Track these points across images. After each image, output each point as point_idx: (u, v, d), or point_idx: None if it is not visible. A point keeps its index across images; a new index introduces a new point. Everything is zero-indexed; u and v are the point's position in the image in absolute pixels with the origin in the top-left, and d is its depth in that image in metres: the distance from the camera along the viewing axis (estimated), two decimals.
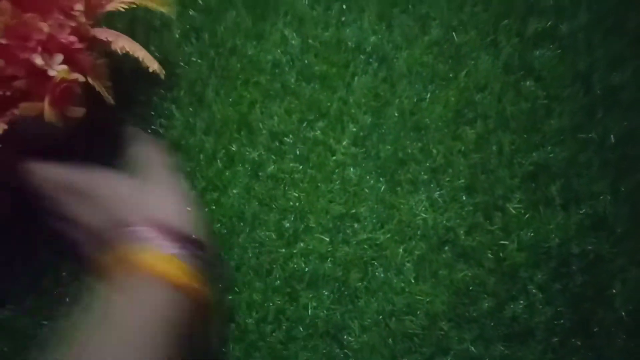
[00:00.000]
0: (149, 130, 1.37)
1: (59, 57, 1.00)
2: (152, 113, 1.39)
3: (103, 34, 1.09)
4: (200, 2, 1.50)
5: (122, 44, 1.08)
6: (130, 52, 1.10)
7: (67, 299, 1.23)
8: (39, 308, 1.23)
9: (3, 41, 0.97)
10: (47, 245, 1.25)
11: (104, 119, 1.29)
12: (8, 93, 1.00)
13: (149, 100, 1.40)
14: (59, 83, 0.99)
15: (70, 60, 1.04)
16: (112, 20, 1.43)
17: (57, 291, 1.24)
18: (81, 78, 1.04)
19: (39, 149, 1.21)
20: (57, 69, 0.99)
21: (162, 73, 1.15)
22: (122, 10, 1.17)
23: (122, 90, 1.31)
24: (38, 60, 0.98)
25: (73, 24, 1.03)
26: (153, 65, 1.12)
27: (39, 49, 0.98)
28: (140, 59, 1.11)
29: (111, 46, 1.09)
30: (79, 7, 1.04)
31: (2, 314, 1.23)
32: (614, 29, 1.40)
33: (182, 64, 1.44)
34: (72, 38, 1.02)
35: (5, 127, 0.99)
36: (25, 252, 1.27)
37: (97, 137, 1.31)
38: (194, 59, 1.44)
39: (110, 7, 1.14)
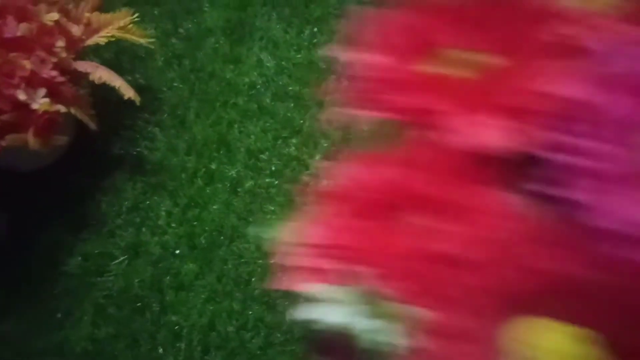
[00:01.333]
0: (134, 153, 1.46)
1: (42, 91, 1.09)
2: (137, 136, 1.48)
3: (83, 66, 1.18)
4: (181, 30, 1.60)
5: (100, 74, 1.17)
6: (107, 82, 1.19)
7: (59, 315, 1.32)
8: (36, 322, 1.33)
9: None
10: None
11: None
12: None
13: (135, 125, 1.49)
14: (42, 115, 1.08)
15: (53, 93, 1.13)
16: (99, 52, 1.53)
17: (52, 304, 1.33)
18: (63, 109, 1.13)
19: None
20: (40, 102, 1.08)
21: (137, 100, 1.24)
22: (103, 43, 1.26)
23: (109, 117, 1.41)
24: (21, 96, 1.07)
25: (55, 59, 1.13)
26: (129, 93, 1.21)
27: (23, 85, 1.07)
28: (117, 88, 1.20)
29: (89, 77, 1.18)
30: (60, 43, 1.14)
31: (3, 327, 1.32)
32: None
33: (164, 89, 1.54)
34: (54, 72, 1.12)
35: None
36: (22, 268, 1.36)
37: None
38: (175, 84, 1.54)
39: (90, 41, 1.23)
